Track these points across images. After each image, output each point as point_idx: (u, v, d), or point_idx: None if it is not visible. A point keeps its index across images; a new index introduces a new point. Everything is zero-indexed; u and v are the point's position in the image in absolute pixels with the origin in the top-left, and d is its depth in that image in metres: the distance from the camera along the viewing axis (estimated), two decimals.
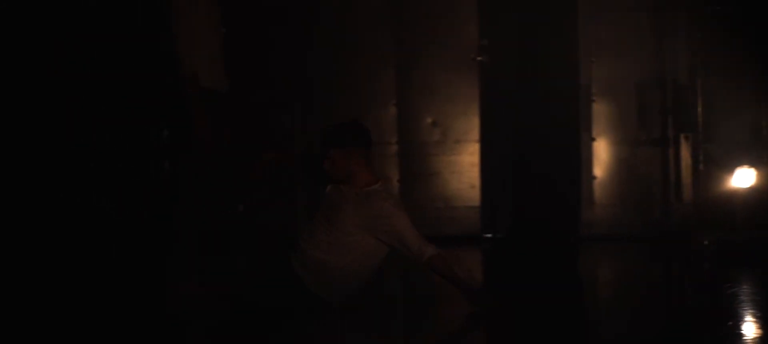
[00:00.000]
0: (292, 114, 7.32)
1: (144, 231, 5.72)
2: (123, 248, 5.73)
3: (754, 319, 4.32)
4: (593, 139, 7.33)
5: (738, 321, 4.36)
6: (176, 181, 5.01)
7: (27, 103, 5.65)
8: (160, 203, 5.61)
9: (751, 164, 6.99)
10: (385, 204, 4.54)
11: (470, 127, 7.43)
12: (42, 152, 5.70)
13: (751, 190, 6.95)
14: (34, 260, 5.43)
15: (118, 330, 4.38)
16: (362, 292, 4.65)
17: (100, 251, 5.68)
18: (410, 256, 4.56)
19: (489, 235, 7.44)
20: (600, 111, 7.32)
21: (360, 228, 4.52)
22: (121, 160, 5.97)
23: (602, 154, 7.34)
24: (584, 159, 7.32)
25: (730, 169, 7.02)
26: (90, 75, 5.87)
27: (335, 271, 4.52)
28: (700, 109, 7.16)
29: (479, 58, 7.36)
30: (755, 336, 3.96)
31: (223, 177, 5.21)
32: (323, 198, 4.70)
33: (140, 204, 5.86)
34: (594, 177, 7.33)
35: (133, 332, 4.33)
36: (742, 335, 4.01)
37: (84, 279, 5.35)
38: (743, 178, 6.98)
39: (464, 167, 7.46)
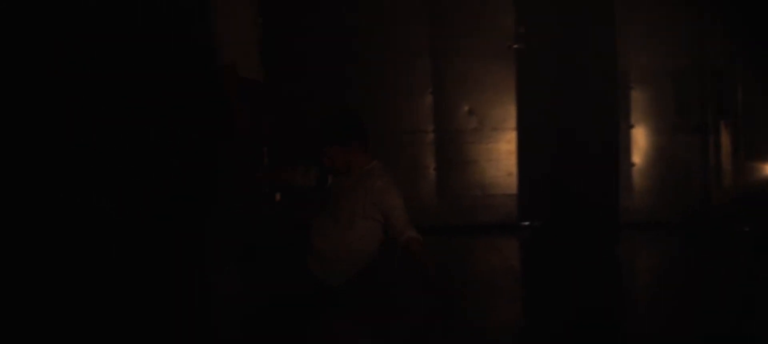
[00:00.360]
0: (329, 103, 7.32)
1: (181, 223, 5.75)
2: (160, 240, 5.76)
3: None
4: (632, 126, 7.28)
5: None
6: (214, 173, 5.04)
7: (63, 97, 5.67)
8: (196, 195, 5.63)
9: None
10: (380, 181, 4.71)
11: (507, 114, 7.40)
12: (80, 144, 5.73)
13: None
14: (76, 250, 5.48)
15: (155, 319, 4.41)
16: (361, 275, 4.81)
17: (137, 242, 5.71)
18: (392, 233, 4.68)
19: (526, 223, 7.42)
20: (638, 98, 7.27)
21: (361, 212, 4.67)
22: (157, 152, 5.99)
23: (641, 141, 7.29)
24: (622, 146, 7.28)
25: None
26: (127, 67, 5.89)
27: (342, 257, 4.69)
28: (739, 96, 7.10)
29: (516, 46, 7.33)
30: None
31: (260, 167, 5.24)
32: (327, 194, 4.80)
33: (177, 196, 5.88)
34: (632, 165, 7.29)
35: (172, 322, 4.37)
36: None
37: (122, 271, 5.39)
38: None
39: (501, 155, 7.44)
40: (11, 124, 5.29)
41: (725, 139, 7.15)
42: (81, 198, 5.60)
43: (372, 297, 4.88)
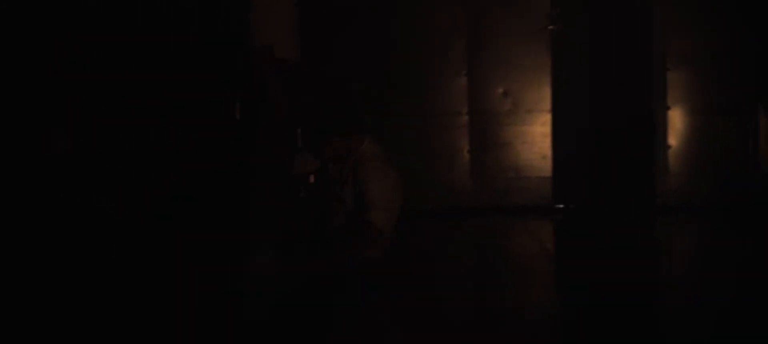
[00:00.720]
0: (364, 84, 7.32)
1: (218, 205, 5.76)
2: (196, 222, 5.78)
3: None
4: (668, 108, 7.22)
5: None
6: (251, 154, 5.04)
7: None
8: (235, 177, 5.64)
9: None
10: (367, 165, 4.94)
11: (542, 96, 7.36)
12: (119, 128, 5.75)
13: None
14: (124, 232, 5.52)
15: (196, 297, 4.44)
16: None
17: (179, 225, 5.74)
18: (360, 209, 4.87)
19: (560, 206, 7.38)
20: (675, 79, 7.20)
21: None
22: (196, 135, 6.00)
23: (677, 123, 7.23)
24: (659, 128, 7.22)
25: None
26: (163, 47, 5.90)
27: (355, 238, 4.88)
28: None
29: (551, 27, 7.28)
30: None
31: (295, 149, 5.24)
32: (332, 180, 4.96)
33: (215, 178, 5.90)
34: (669, 147, 7.23)
35: (211, 300, 4.40)
36: None
37: (168, 248, 5.43)
38: None
39: (536, 137, 7.40)
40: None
41: (764, 122, 7.07)
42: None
43: (404, 279, 4.88)
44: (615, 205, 7.21)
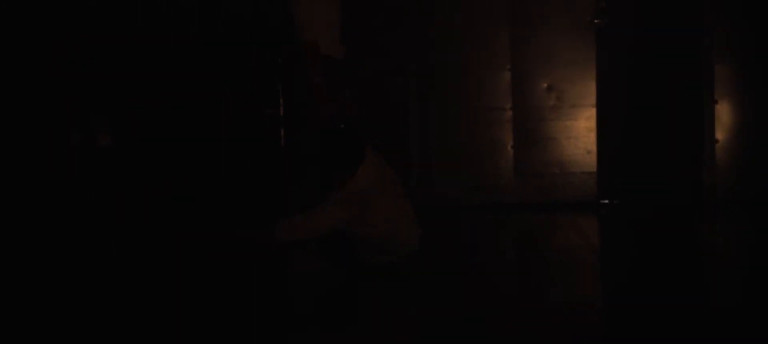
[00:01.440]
0: (407, 80, 7.32)
1: (261, 203, 5.78)
2: (236, 221, 5.79)
3: None
4: (715, 102, 7.13)
5: None
6: (294, 152, 5.05)
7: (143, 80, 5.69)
8: (274, 173, 5.66)
9: None
10: (370, 201, 4.73)
11: (587, 91, 7.31)
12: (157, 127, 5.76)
13: None
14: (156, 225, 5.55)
15: (244, 293, 4.47)
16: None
17: (216, 224, 5.76)
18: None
19: (606, 201, 7.32)
20: (722, 73, 7.11)
21: None
22: (239, 131, 6.01)
23: (725, 117, 7.14)
24: (706, 122, 7.14)
25: None
26: (205, 43, 5.92)
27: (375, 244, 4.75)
28: None
29: (596, 21, 7.22)
30: None
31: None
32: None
33: (255, 175, 5.91)
34: (716, 141, 7.14)
35: (257, 296, 4.42)
36: None
37: (206, 246, 5.46)
38: None
39: (580, 132, 7.35)
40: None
41: None
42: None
43: (446, 275, 4.88)
44: (661, 200, 7.15)
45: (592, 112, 7.32)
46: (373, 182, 4.66)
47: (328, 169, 4.71)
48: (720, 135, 7.14)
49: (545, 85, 7.35)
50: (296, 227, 4.59)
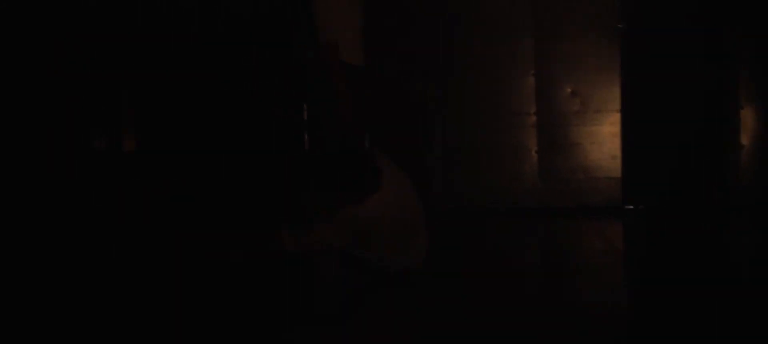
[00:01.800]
0: (429, 84, 7.32)
1: (281, 207, 5.79)
2: (259, 225, 5.80)
3: None
4: (741, 107, 7.09)
5: None
6: (316, 156, 5.04)
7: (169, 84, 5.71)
8: (299, 178, 5.67)
9: None
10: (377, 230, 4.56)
11: (611, 96, 7.29)
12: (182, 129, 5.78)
13: None
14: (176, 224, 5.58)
15: (267, 298, 4.49)
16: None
17: (241, 229, 5.78)
18: None
19: (630, 207, 7.29)
20: (747, 78, 7.07)
21: None
22: (260, 136, 6.02)
23: (750, 122, 7.10)
24: (731, 128, 7.10)
25: None
26: (225, 46, 5.93)
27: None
28: None
29: (620, 26, 7.20)
30: None
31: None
32: None
33: (279, 179, 5.92)
34: (742, 146, 7.10)
35: (280, 299, 4.44)
36: None
37: (227, 253, 5.48)
38: None
39: (605, 137, 7.33)
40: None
41: None
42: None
43: (467, 278, 4.88)
44: (686, 206, 7.11)
45: (616, 117, 7.30)
46: (381, 215, 4.24)
47: (332, 188, 4.47)
48: (745, 140, 7.10)
49: (569, 89, 7.34)
50: (296, 239, 4.48)
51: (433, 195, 7.24)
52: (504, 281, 4.86)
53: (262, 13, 5.91)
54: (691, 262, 5.20)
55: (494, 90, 7.34)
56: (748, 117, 7.09)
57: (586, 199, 7.34)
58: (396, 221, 4.28)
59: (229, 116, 5.75)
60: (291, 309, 4.24)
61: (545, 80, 7.34)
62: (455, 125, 7.33)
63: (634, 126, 7.29)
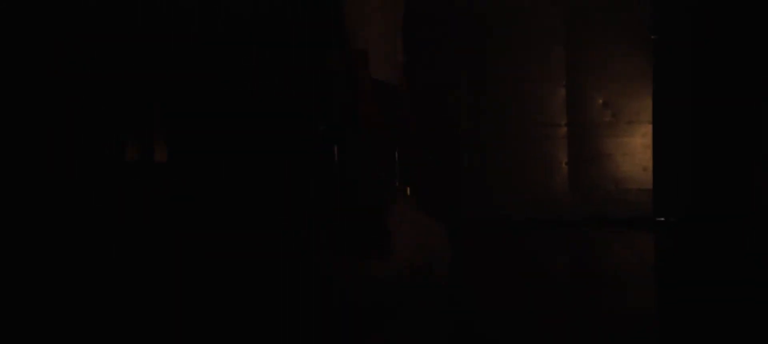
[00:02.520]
0: (462, 93, 7.30)
1: (308, 215, 5.78)
2: (289, 231, 5.81)
3: None
4: None
5: None
6: (343, 165, 5.01)
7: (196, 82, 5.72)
8: (327, 186, 5.66)
9: None
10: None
11: (643, 107, 7.24)
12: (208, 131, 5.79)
13: None
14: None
15: (292, 306, 4.48)
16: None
17: (273, 233, 5.79)
18: None
19: (662, 219, 7.23)
20: None
21: None
22: (285, 143, 6.01)
23: None
24: (763, 138, 7.01)
25: None
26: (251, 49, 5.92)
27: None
28: None
29: (652, 36, 7.15)
30: None
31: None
32: None
33: (307, 187, 5.92)
34: None
35: (309, 307, 4.43)
36: None
37: (261, 256, 5.49)
38: None
39: (636, 149, 7.28)
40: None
41: None
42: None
43: (496, 286, 4.85)
44: (719, 218, 7.03)
45: (648, 129, 7.25)
46: (397, 273, 4.21)
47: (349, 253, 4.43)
48: None
49: (601, 101, 7.30)
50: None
51: (463, 206, 7.21)
52: (530, 289, 4.82)
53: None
54: (724, 275, 5.14)
55: (526, 100, 7.31)
56: None
57: (617, 211, 7.28)
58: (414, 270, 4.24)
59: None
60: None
61: (576, 91, 7.30)
62: (486, 135, 7.30)
63: (666, 137, 7.23)
